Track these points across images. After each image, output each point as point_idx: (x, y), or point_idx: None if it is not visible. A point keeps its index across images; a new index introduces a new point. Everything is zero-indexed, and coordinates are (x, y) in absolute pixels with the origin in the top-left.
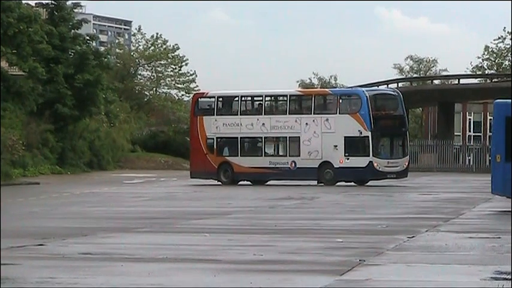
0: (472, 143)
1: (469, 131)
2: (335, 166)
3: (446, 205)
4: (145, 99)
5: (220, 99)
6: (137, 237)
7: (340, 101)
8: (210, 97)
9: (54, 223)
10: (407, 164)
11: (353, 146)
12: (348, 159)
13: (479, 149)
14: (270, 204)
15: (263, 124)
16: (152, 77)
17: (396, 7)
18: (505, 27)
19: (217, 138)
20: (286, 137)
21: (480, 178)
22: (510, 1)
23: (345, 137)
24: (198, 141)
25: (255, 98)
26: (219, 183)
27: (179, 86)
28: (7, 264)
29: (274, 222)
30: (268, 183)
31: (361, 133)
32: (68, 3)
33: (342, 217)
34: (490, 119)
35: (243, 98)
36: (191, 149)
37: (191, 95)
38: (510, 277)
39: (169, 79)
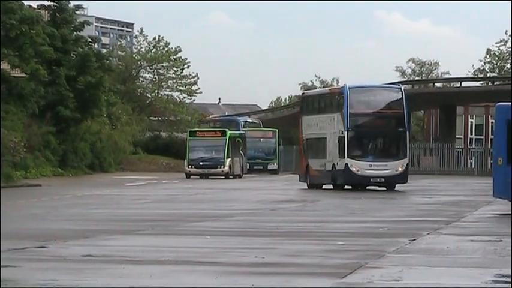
0: (473, 146)
1: (471, 134)
2: (333, 169)
3: (448, 208)
4: (147, 102)
5: (307, 98)
6: (139, 239)
7: (338, 98)
8: (308, 96)
9: (55, 225)
10: (403, 167)
11: (338, 147)
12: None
13: (481, 152)
14: (271, 207)
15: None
16: (154, 79)
17: (396, 10)
18: (506, 30)
19: (306, 139)
20: (324, 138)
21: (482, 181)
22: (510, 1)
23: (338, 137)
24: (300, 142)
25: (320, 97)
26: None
27: (181, 88)
28: (8, 266)
29: (275, 224)
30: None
31: (341, 133)
32: (70, 5)
33: (343, 220)
34: (492, 122)
35: (314, 97)
36: (299, 151)
37: (193, 98)
38: (510, 280)
39: (171, 81)
